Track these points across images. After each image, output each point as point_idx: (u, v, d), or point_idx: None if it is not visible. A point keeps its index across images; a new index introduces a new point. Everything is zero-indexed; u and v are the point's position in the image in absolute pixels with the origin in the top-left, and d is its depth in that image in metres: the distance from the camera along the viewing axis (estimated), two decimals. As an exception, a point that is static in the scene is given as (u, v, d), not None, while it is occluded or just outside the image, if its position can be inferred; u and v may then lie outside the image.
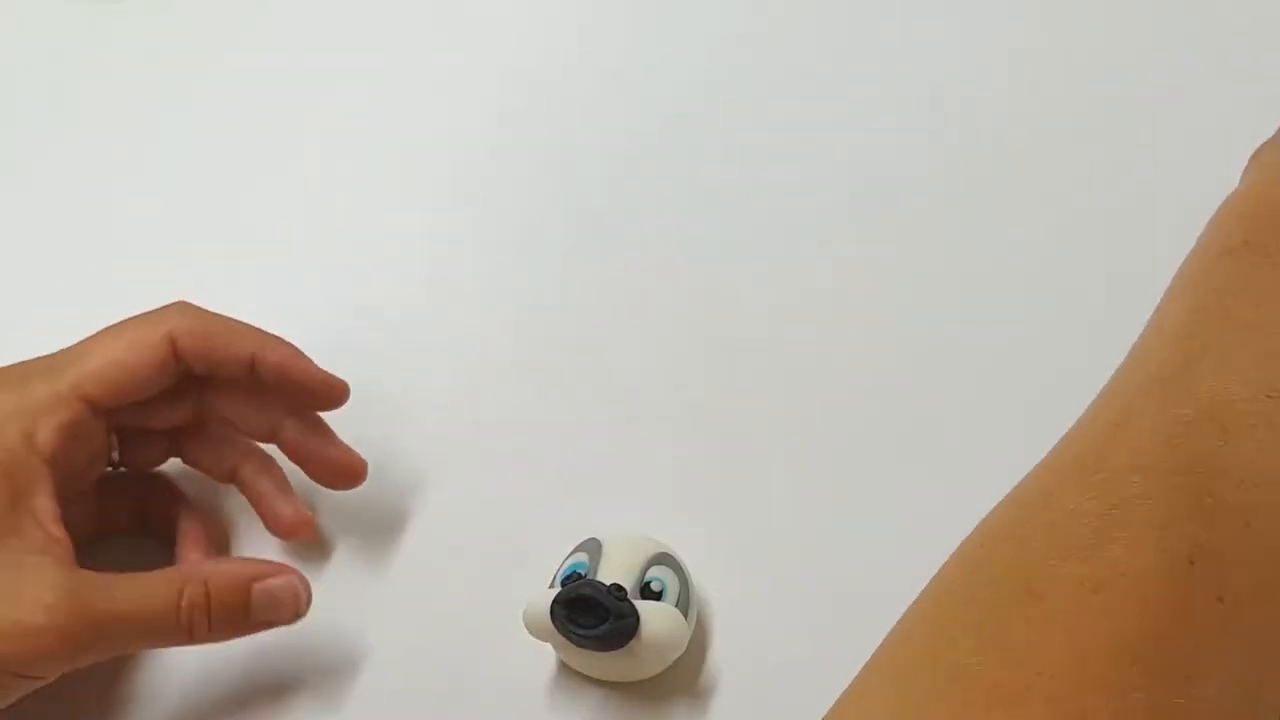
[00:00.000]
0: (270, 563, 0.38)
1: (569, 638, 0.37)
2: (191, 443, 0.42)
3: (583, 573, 0.38)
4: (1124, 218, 0.48)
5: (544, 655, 0.40)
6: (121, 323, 0.40)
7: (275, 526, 0.42)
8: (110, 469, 0.42)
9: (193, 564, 0.40)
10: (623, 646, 0.37)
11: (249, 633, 0.38)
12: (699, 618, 0.40)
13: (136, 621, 0.35)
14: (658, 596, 0.38)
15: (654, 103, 0.54)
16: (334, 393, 0.41)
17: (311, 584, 0.38)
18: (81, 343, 0.39)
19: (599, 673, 0.39)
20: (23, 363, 0.39)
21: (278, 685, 0.40)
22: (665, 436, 0.45)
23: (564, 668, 0.40)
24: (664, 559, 0.39)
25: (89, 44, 0.59)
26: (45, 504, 0.36)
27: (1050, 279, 0.47)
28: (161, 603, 0.36)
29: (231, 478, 0.42)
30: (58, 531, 0.36)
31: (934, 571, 0.40)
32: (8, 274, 0.52)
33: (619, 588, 0.37)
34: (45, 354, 0.39)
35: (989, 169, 0.50)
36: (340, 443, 0.42)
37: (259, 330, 0.41)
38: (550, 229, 0.51)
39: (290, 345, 0.41)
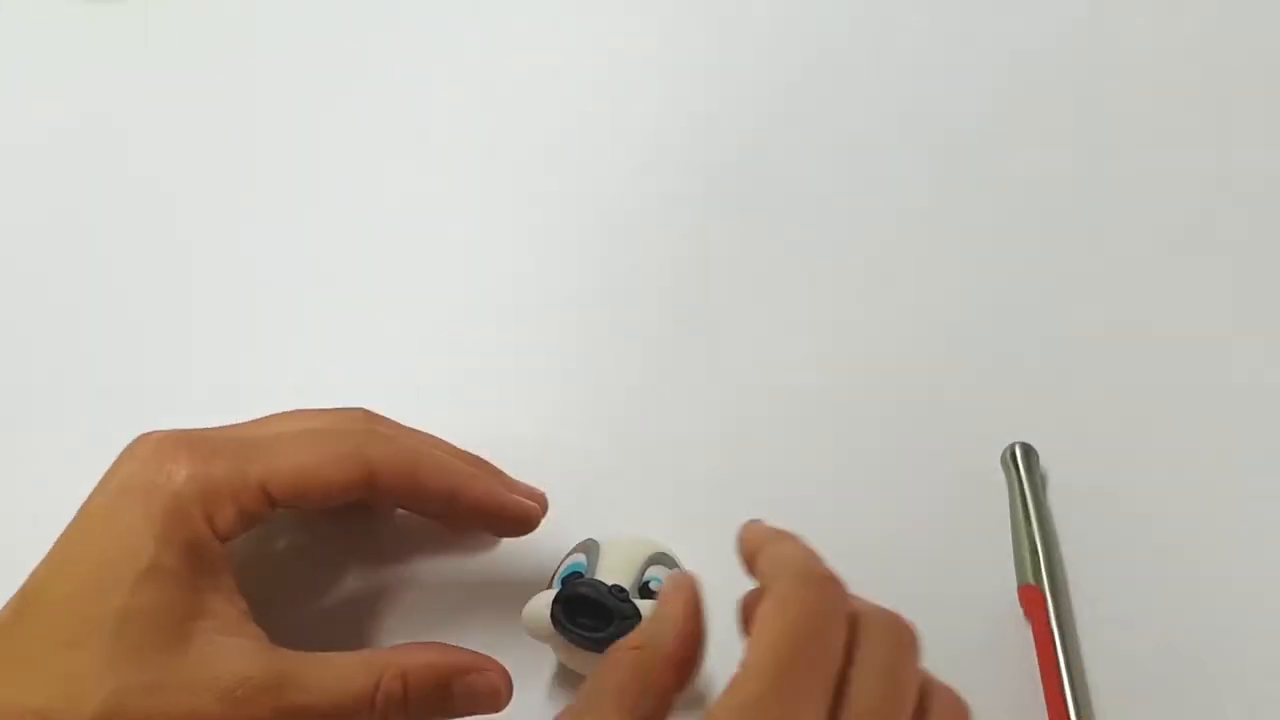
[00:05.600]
0: (473, 654, 0.36)
1: (571, 639, 0.37)
2: None
3: (582, 573, 0.38)
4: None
5: (543, 656, 0.40)
6: (316, 432, 0.37)
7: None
8: None
9: (390, 651, 0.37)
10: (625, 647, 0.37)
11: None
12: (697, 618, 0.40)
13: (328, 710, 0.34)
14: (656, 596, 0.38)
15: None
16: (527, 521, 0.40)
17: (308, 586, 0.38)
18: (274, 434, 0.37)
19: (598, 673, 0.39)
20: (204, 431, 0.37)
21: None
22: (662, 437, 0.45)
23: (563, 668, 0.39)
24: (662, 559, 0.39)
25: (89, 44, 0.59)
26: (228, 582, 0.35)
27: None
28: (355, 693, 0.34)
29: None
30: (243, 606, 0.35)
31: (932, 570, 0.41)
32: None
33: (619, 588, 0.37)
34: (228, 425, 0.38)
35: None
36: (517, 487, 0.41)
37: (457, 465, 0.39)
38: (544, 231, 0.51)
39: (490, 477, 0.40)
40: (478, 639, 0.40)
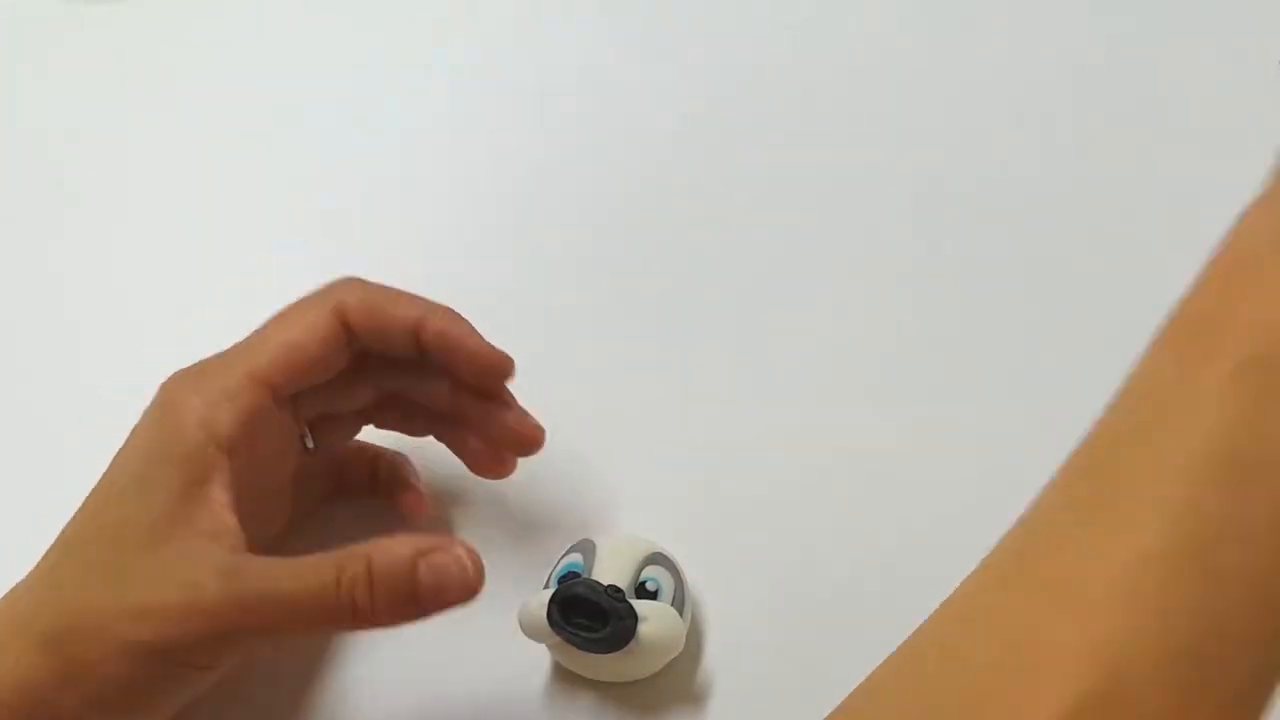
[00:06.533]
0: (439, 537, 0.35)
1: (567, 639, 0.37)
2: (380, 413, 0.42)
3: (578, 573, 0.38)
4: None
5: (539, 656, 0.40)
6: (290, 306, 0.39)
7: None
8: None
9: (359, 545, 0.35)
10: (622, 648, 0.37)
11: (420, 615, 0.34)
12: (693, 617, 0.40)
13: (293, 600, 0.33)
14: (653, 596, 0.38)
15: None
16: (498, 365, 0.39)
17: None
18: (254, 333, 0.38)
19: (595, 673, 0.39)
20: (200, 361, 0.38)
21: (272, 686, 0.40)
22: (658, 437, 0.45)
23: (559, 668, 0.39)
24: (658, 559, 0.39)
25: (89, 44, 0.59)
26: (218, 493, 0.35)
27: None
28: (320, 581, 0.33)
29: (429, 430, 0.42)
30: (229, 520, 0.35)
31: (926, 568, 0.40)
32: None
33: (616, 589, 0.37)
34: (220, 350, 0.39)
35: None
36: (519, 408, 0.40)
37: (425, 300, 0.39)
38: (548, 233, 0.51)
39: (455, 314, 0.39)
40: (474, 639, 0.40)
